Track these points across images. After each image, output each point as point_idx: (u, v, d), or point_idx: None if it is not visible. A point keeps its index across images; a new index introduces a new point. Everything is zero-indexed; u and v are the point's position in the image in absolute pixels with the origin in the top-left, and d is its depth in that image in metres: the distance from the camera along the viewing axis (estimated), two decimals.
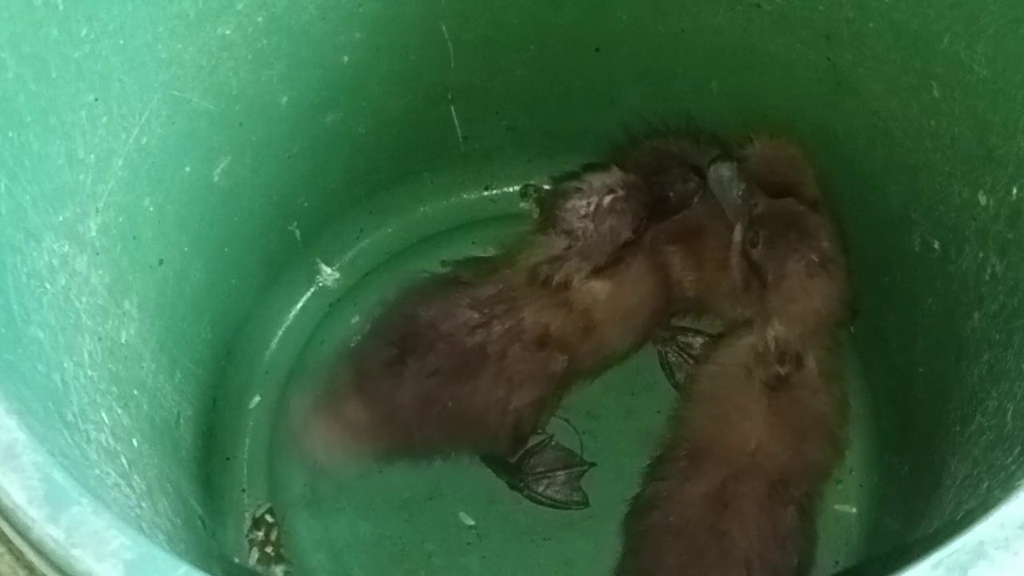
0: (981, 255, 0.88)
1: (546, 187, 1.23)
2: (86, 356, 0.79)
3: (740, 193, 1.01)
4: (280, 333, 1.19)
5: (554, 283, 1.01)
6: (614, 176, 1.03)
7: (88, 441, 0.73)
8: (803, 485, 0.98)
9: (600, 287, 1.02)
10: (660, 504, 0.98)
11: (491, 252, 1.16)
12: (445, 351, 0.99)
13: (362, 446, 1.03)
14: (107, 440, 0.77)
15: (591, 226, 1.01)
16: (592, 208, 1.01)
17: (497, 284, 1.02)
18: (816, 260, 0.96)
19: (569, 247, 1.02)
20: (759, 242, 0.97)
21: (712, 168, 1.02)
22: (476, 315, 1.00)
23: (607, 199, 1.01)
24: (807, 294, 0.96)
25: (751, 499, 0.95)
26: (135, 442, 0.84)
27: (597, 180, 1.03)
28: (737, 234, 1.01)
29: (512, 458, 1.10)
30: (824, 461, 1.00)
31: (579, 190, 1.03)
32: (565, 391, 1.08)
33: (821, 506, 1.02)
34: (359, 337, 1.08)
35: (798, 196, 1.01)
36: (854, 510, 1.08)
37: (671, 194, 1.04)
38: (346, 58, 1.04)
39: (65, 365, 0.75)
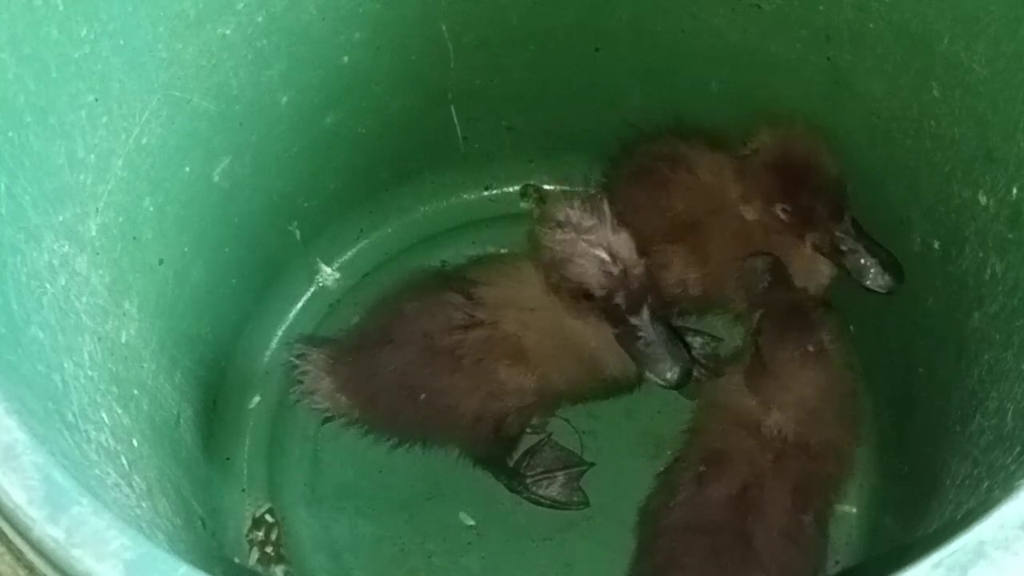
0: (981, 255, 0.89)
1: (546, 187, 1.23)
2: (86, 356, 0.79)
3: (764, 285, 1.02)
4: (280, 333, 1.19)
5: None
6: (614, 237, 0.92)
7: (88, 441, 0.73)
8: (819, 496, 0.98)
9: (526, 318, 0.98)
10: (679, 506, 0.98)
11: (491, 252, 1.16)
12: (420, 347, 1.00)
13: (360, 412, 1.04)
14: (107, 440, 0.77)
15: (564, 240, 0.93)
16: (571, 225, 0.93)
17: (490, 288, 1.01)
18: (811, 350, 0.96)
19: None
20: (763, 329, 0.98)
21: (749, 259, 1.03)
22: (460, 315, 1.00)
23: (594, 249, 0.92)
24: (798, 383, 0.96)
25: (774, 503, 0.96)
26: (135, 442, 0.84)
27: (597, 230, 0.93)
28: (754, 321, 1.02)
29: (510, 461, 1.10)
30: (837, 474, 1.01)
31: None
32: (553, 405, 1.07)
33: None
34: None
35: (821, 177, 1.00)
36: (854, 510, 1.08)
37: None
38: (346, 58, 1.04)
39: (65, 365, 0.75)
